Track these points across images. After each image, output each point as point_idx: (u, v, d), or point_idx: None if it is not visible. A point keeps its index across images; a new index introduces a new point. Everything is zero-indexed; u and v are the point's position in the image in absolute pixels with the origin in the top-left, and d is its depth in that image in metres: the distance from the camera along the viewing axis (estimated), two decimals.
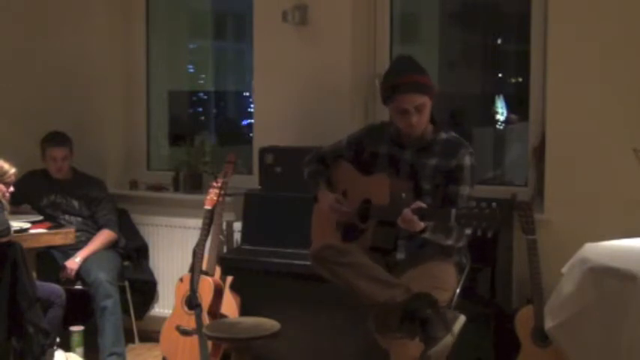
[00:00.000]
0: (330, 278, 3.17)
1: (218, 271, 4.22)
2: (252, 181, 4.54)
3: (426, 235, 3.04)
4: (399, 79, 3.19)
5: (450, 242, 3.14)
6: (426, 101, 3.18)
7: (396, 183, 3.19)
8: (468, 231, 3.00)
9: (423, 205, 2.98)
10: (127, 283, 4.65)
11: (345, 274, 3.10)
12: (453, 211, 2.88)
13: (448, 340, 2.89)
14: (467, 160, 3.21)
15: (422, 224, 2.96)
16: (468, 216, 2.85)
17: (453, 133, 3.32)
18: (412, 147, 3.28)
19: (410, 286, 3.06)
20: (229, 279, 4.25)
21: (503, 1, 4.69)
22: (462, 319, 2.96)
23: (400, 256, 3.26)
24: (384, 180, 3.22)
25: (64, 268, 4.41)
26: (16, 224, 4.03)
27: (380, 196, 3.18)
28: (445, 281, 3.20)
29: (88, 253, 4.47)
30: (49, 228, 4.32)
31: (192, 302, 3.47)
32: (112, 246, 4.64)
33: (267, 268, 3.89)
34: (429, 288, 3.06)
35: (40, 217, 4.49)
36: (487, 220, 2.82)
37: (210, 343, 3.88)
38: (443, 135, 3.29)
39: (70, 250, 4.47)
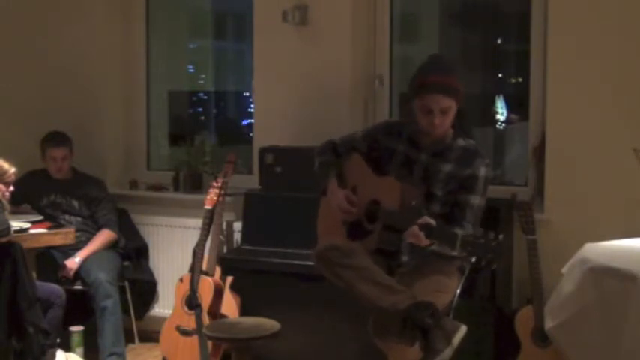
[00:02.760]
0: (332, 279, 3.15)
1: (218, 271, 4.22)
2: (252, 181, 4.54)
3: (433, 247, 3.00)
4: (432, 78, 3.13)
5: (454, 253, 3.11)
6: (452, 104, 3.14)
7: (407, 189, 3.14)
8: (473, 259, 2.97)
9: (431, 222, 2.92)
10: (127, 283, 4.65)
11: (348, 277, 3.07)
12: (460, 236, 2.84)
13: (448, 352, 2.88)
14: (482, 171, 3.17)
15: (427, 241, 2.93)
16: (473, 244, 2.81)
17: (472, 142, 3.27)
18: (428, 150, 3.23)
19: (412, 288, 3.05)
20: (229, 279, 4.25)
21: (503, 1, 4.69)
22: (462, 329, 2.93)
23: (404, 258, 3.24)
24: (394, 185, 3.17)
25: (64, 266, 4.41)
26: (16, 224, 4.03)
27: (390, 200, 3.14)
28: (447, 285, 3.19)
29: (87, 253, 4.47)
30: (49, 228, 4.32)
31: (192, 302, 3.49)
32: (112, 246, 4.64)
33: (267, 268, 3.89)
34: (432, 291, 3.05)
35: (40, 217, 4.48)
36: (492, 252, 2.78)
37: (210, 343, 3.88)
38: (461, 142, 3.24)
39: (70, 250, 4.47)
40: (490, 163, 3.25)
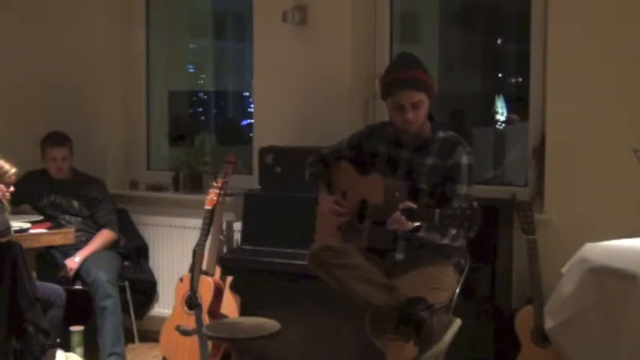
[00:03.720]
0: (326, 279, 3.18)
1: (218, 271, 4.22)
2: (252, 181, 4.54)
3: (421, 234, 3.05)
4: (397, 75, 3.21)
5: (446, 241, 3.14)
6: (422, 98, 3.19)
7: (389, 183, 3.20)
8: (453, 231, 3.05)
9: (412, 205, 2.98)
10: (127, 283, 4.65)
11: (341, 276, 3.11)
12: (437, 211, 2.88)
13: (442, 345, 2.90)
14: (464, 159, 3.21)
15: (410, 224, 2.97)
16: (451, 216, 2.86)
17: (452, 132, 3.32)
18: (409, 146, 3.29)
19: (408, 286, 3.06)
20: (229, 279, 4.25)
21: (504, 1, 4.69)
22: (457, 322, 2.96)
23: (399, 256, 3.25)
24: (378, 180, 3.23)
25: (64, 266, 4.41)
26: (16, 224, 4.03)
27: (375, 196, 3.19)
28: (443, 281, 3.20)
29: (87, 253, 4.47)
30: (49, 228, 4.32)
31: (192, 302, 3.49)
32: (112, 246, 4.64)
33: (267, 268, 3.89)
34: (428, 289, 3.07)
35: (40, 217, 4.49)
36: (469, 220, 2.83)
37: (210, 343, 3.88)
38: (441, 134, 3.30)
39: (70, 250, 4.47)
40: (472, 151, 3.27)
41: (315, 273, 3.23)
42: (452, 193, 3.17)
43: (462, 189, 3.18)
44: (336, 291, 3.17)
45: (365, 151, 3.41)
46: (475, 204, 2.89)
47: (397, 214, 2.96)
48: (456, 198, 3.16)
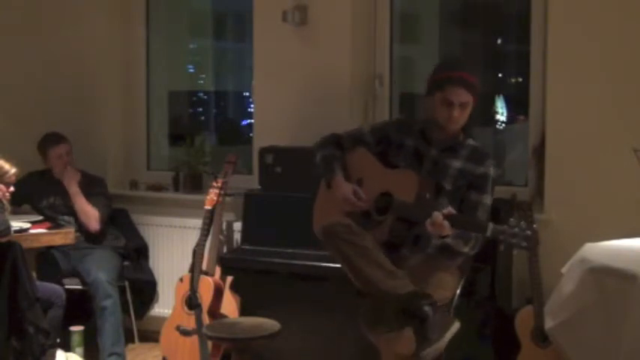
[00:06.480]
0: (335, 255, 3.16)
1: (218, 271, 4.22)
2: (252, 181, 4.54)
3: (448, 240, 3.04)
4: (453, 72, 3.25)
5: (466, 250, 3.15)
6: (470, 101, 3.23)
7: (423, 182, 3.20)
8: (502, 247, 2.99)
9: (453, 212, 2.96)
10: (127, 283, 4.64)
11: (351, 255, 3.08)
12: (490, 225, 2.87)
13: (441, 343, 2.90)
14: (492, 171, 3.28)
15: (450, 231, 2.95)
16: (507, 234, 2.83)
17: (478, 144, 3.38)
18: (438, 145, 3.31)
19: (414, 281, 3.05)
20: (229, 279, 4.25)
21: (504, 1, 4.69)
22: (456, 324, 2.97)
23: (404, 252, 3.26)
24: (411, 176, 3.22)
25: None
26: (16, 224, 4.03)
27: (404, 192, 3.17)
28: (447, 281, 3.22)
29: (77, 195, 4.50)
30: (49, 228, 4.32)
31: (192, 302, 3.48)
32: (111, 246, 4.62)
33: (267, 268, 3.89)
34: (432, 286, 3.07)
35: (40, 217, 4.48)
36: (527, 241, 2.81)
37: (210, 343, 3.87)
38: (471, 141, 3.35)
39: (70, 250, 4.47)
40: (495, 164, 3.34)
41: (324, 247, 3.22)
42: (477, 203, 3.22)
43: (487, 199, 3.24)
44: (341, 291, 3.16)
45: (391, 142, 3.40)
46: (536, 226, 2.83)
47: (439, 218, 2.91)
48: (480, 208, 3.20)
